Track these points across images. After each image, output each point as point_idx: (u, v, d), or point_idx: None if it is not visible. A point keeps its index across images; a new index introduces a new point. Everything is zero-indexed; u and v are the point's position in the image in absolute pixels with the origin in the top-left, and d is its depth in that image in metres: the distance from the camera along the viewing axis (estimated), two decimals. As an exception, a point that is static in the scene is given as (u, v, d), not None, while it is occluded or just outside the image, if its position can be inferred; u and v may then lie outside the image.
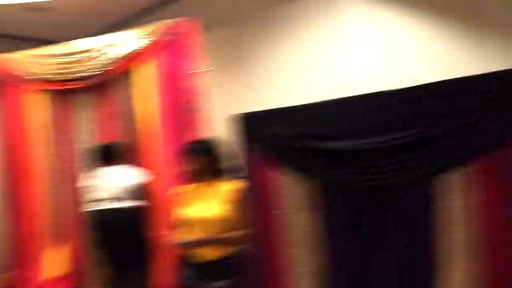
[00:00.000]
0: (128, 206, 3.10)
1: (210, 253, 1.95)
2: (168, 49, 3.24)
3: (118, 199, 3.09)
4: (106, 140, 3.50)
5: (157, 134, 3.21)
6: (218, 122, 3.01)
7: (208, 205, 1.97)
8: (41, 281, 3.69)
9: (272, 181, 2.72)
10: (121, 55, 3.35)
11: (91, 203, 3.20)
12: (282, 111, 2.77)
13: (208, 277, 1.95)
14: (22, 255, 3.75)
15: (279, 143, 2.68)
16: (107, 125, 3.59)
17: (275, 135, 2.69)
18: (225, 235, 1.94)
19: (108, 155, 3.24)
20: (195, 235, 1.96)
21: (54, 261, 3.72)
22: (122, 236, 3.03)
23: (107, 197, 3.11)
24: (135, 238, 2.72)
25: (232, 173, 2.15)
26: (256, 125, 2.82)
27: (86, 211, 3.25)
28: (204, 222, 1.94)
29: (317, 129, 2.53)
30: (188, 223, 2.00)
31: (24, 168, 3.72)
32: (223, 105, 3.30)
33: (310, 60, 3.30)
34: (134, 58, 3.34)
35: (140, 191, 3.16)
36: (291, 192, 2.66)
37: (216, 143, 2.15)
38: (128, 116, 3.45)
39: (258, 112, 2.90)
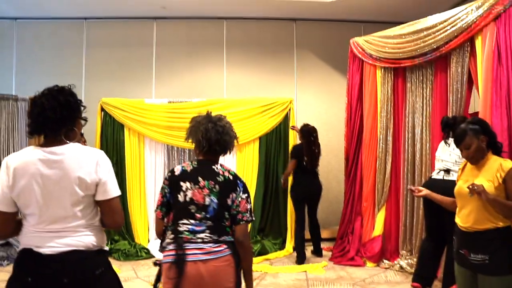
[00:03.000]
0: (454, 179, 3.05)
1: (474, 223, 2.01)
2: (507, 19, 2.94)
3: (447, 171, 3.06)
4: (437, 112, 3.51)
5: (490, 108, 2.98)
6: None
7: (477, 181, 2.02)
8: (362, 236, 4.14)
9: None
10: (459, 30, 3.26)
11: (434, 172, 3.26)
12: None
13: (469, 248, 2.00)
14: (352, 213, 4.29)
15: None
16: (439, 99, 3.58)
17: None
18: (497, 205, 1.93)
19: (448, 128, 3.25)
20: (464, 209, 2.07)
21: (374, 222, 4.08)
22: (439, 207, 3.02)
23: (441, 168, 3.11)
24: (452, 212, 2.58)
25: (499, 151, 2.11)
26: None
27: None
28: (471, 197, 2.01)
29: None
30: (460, 197, 2.11)
31: (367, 136, 4.16)
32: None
33: None
34: (472, 31, 3.19)
35: None
36: None
37: (486, 123, 2.16)
38: (460, 91, 3.36)
39: None
